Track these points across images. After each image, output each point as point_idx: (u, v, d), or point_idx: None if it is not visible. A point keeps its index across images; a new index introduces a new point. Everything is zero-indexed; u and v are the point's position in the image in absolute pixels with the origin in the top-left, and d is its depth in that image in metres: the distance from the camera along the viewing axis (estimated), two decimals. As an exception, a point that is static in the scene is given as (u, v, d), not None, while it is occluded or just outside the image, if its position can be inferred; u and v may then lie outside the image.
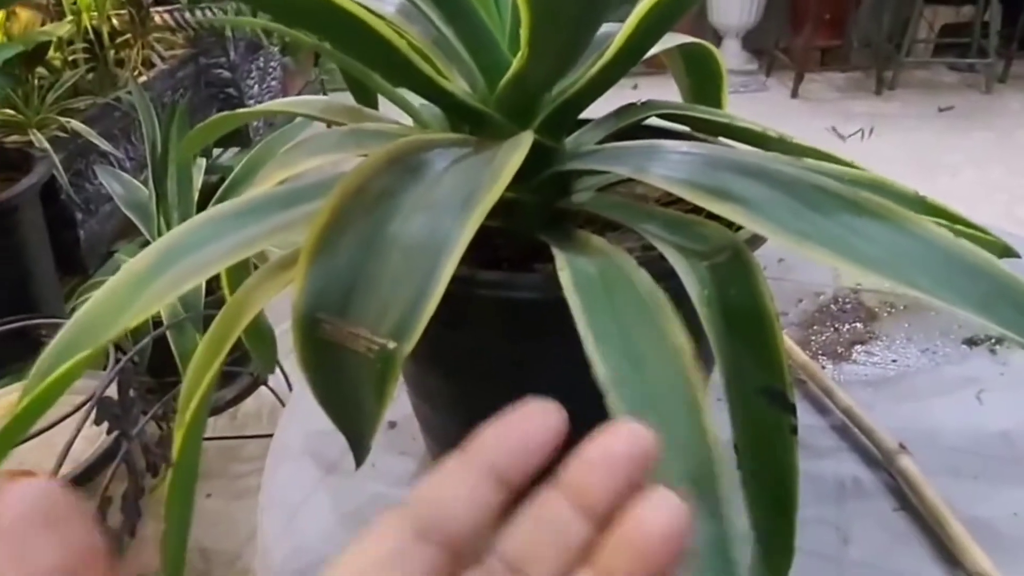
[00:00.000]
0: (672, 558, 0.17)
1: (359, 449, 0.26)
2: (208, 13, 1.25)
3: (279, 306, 0.35)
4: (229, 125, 0.45)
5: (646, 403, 0.25)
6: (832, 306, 0.59)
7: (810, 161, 0.36)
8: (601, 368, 0.25)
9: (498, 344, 0.33)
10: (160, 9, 1.28)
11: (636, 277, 0.28)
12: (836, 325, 0.57)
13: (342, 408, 0.26)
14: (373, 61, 0.33)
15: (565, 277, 0.28)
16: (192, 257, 0.29)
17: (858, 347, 0.55)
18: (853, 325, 0.57)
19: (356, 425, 0.26)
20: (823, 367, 0.53)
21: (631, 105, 0.37)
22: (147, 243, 0.90)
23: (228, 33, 1.33)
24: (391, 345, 0.24)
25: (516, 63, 0.30)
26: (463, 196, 0.27)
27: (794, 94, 2.61)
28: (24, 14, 0.98)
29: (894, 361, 0.54)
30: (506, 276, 0.31)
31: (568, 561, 0.17)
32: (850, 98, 2.58)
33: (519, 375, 0.34)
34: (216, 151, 1.42)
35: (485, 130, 0.33)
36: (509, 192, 0.33)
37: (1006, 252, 0.40)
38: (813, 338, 0.56)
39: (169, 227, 0.90)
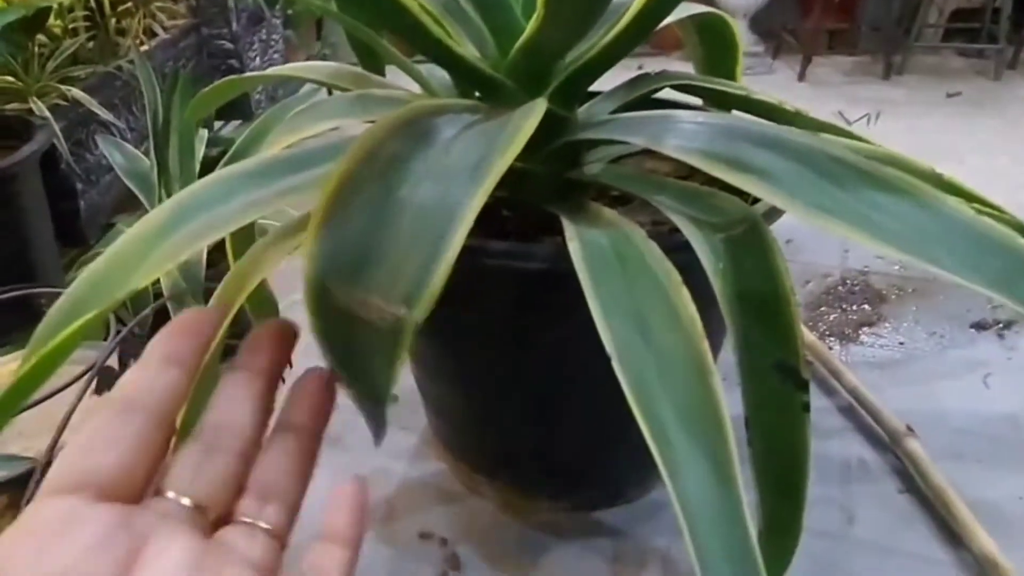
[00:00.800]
0: None
1: (376, 421, 0.25)
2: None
3: (283, 280, 0.35)
4: (234, 90, 0.44)
5: (653, 371, 0.24)
6: (840, 288, 0.59)
7: (827, 136, 0.36)
8: (608, 337, 0.24)
9: (503, 316, 0.33)
10: (162, -23, 1.26)
11: (647, 249, 0.28)
12: (844, 307, 0.56)
13: (355, 376, 0.25)
14: (383, 24, 0.32)
15: (574, 247, 0.27)
16: (206, 215, 0.28)
17: (865, 329, 0.54)
18: (861, 307, 0.56)
19: (369, 394, 0.25)
20: (830, 348, 0.52)
21: (645, 75, 0.36)
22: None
23: (231, 4, 1.31)
24: (402, 313, 0.23)
25: (531, 27, 0.29)
26: (474, 163, 0.27)
27: (801, 77, 2.59)
28: (24, -21, 0.96)
29: (901, 344, 0.53)
30: (515, 246, 0.30)
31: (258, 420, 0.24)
32: (857, 82, 2.55)
33: (523, 348, 0.34)
34: (217, 124, 1.41)
35: (496, 97, 0.32)
36: (519, 162, 0.32)
37: (1022, 230, 0.39)
38: (821, 319, 0.56)
39: (170, 196, 0.88)
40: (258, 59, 1.41)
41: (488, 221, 0.32)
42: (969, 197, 0.37)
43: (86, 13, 1.12)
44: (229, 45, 1.33)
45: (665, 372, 0.25)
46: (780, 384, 0.29)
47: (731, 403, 0.26)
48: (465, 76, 0.33)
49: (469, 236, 0.24)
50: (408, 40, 0.31)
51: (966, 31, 2.70)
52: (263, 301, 0.40)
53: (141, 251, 0.27)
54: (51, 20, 1.08)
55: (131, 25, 1.17)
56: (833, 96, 2.47)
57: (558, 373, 0.34)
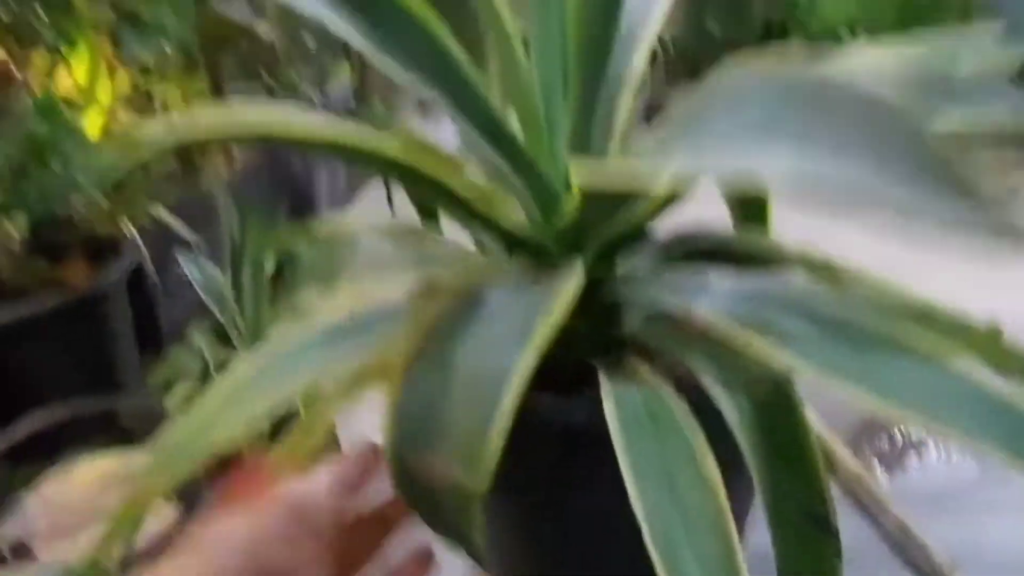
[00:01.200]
0: None
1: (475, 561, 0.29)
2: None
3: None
4: (295, 238, 0.49)
5: (680, 534, 0.26)
6: (885, 412, 0.59)
7: (856, 289, 0.38)
8: (638, 501, 0.27)
9: (547, 468, 0.35)
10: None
11: (677, 408, 0.30)
12: (891, 433, 0.57)
13: (444, 530, 0.28)
14: (434, 198, 0.36)
15: (609, 408, 0.30)
16: (280, 378, 0.32)
17: (912, 456, 0.54)
18: (908, 433, 0.57)
19: (461, 545, 0.28)
20: (876, 477, 0.53)
21: (682, 236, 0.39)
22: (220, 325, 0.95)
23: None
24: (462, 478, 0.26)
25: (568, 206, 0.32)
26: (521, 331, 0.30)
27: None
28: (124, 116, 1.07)
29: (947, 472, 0.53)
30: (555, 401, 0.33)
31: None
32: None
33: (567, 498, 0.36)
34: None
35: (540, 258, 0.36)
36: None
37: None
38: (868, 445, 0.56)
39: (243, 312, 0.95)
40: (325, 184, 1.51)
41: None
42: (1002, 350, 0.38)
43: (174, 140, 1.23)
44: (299, 171, 1.43)
45: (692, 532, 0.27)
46: (810, 534, 0.31)
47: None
48: (510, 242, 0.37)
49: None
50: (457, 213, 0.35)
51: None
52: (329, 443, 0.43)
53: (219, 412, 0.31)
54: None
55: (213, 151, 1.28)
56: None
57: (597, 524, 0.36)
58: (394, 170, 0.35)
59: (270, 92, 1.42)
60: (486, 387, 0.28)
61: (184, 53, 1.21)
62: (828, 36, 2.53)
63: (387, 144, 0.31)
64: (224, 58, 1.30)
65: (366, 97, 2.38)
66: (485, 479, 0.25)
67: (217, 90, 1.26)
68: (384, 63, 0.33)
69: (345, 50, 2.62)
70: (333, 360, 0.33)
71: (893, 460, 0.54)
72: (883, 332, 0.31)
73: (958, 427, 0.27)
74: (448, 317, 0.30)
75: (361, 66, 2.90)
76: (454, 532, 0.27)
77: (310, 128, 0.31)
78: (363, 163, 0.36)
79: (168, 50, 1.18)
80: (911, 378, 0.29)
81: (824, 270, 0.39)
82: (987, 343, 0.38)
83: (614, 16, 0.34)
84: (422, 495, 0.27)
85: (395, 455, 0.27)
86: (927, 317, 0.38)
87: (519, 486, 0.37)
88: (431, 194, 0.37)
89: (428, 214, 0.46)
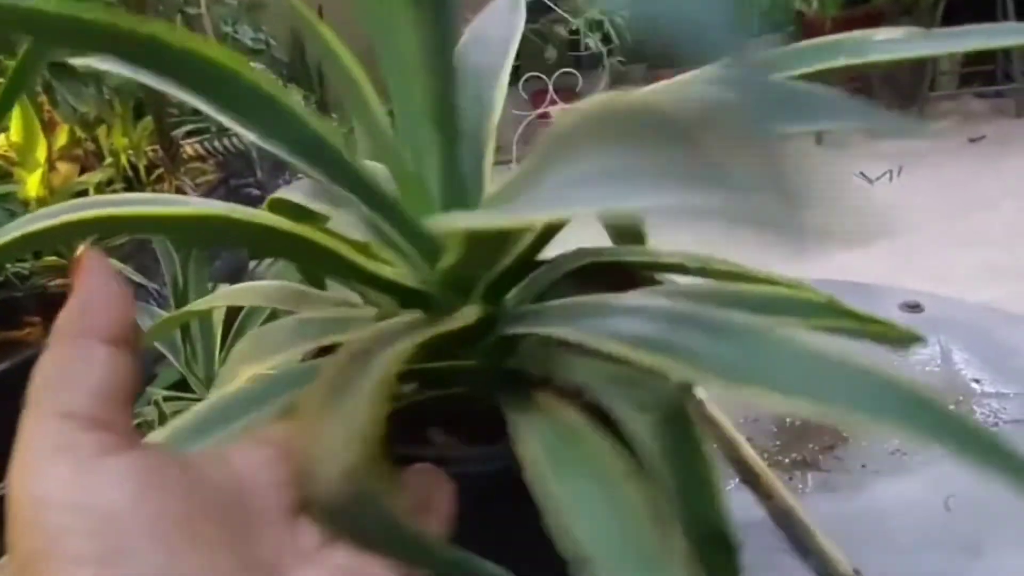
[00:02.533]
0: None
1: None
2: (235, 140, 1.34)
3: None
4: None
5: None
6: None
7: (726, 287, 0.38)
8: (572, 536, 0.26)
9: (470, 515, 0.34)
10: (191, 140, 1.38)
11: (591, 439, 0.30)
12: (811, 432, 0.56)
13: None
14: (308, 262, 0.36)
15: (523, 449, 0.29)
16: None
17: (829, 452, 0.54)
18: (828, 430, 0.56)
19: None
20: (791, 477, 0.52)
21: (564, 256, 0.39)
22: (179, 372, 0.95)
23: (254, 155, 1.42)
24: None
25: (447, 260, 0.32)
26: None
27: (818, 140, 2.60)
28: (64, 167, 1.06)
29: (863, 466, 0.53)
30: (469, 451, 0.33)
31: None
32: (876, 137, 2.55)
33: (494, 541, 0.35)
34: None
35: (427, 306, 0.36)
36: (462, 360, 0.35)
37: (912, 339, 0.39)
38: (791, 449, 0.55)
39: (195, 356, 0.95)
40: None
41: (456, 421, 0.35)
42: (859, 318, 0.38)
43: (123, 185, 1.23)
44: (256, 192, 1.43)
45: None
46: (712, 551, 0.30)
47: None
48: (399, 296, 0.37)
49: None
50: (337, 273, 0.35)
51: (981, 73, 2.69)
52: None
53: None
54: (92, 193, 1.19)
55: (163, 189, 1.27)
56: (853, 155, 2.48)
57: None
58: (277, 245, 0.35)
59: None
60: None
61: (125, 99, 1.21)
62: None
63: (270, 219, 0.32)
64: (167, 97, 1.29)
65: (326, 112, 2.37)
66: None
67: (163, 131, 1.26)
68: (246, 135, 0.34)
69: (300, 73, 2.61)
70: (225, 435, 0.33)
71: (810, 461, 0.54)
72: (756, 329, 0.30)
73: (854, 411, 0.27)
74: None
75: (320, 83, 2.89)
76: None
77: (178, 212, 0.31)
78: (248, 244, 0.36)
79: (108, 98, 1.18)
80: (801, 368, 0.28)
81: (699, 271, 0.39)
82: (847, 313, 0.38)
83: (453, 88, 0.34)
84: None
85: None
86: (791, 301, 0.38)
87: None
88: (313, 259, 0.37)
89: (311, 274, 0.45)
